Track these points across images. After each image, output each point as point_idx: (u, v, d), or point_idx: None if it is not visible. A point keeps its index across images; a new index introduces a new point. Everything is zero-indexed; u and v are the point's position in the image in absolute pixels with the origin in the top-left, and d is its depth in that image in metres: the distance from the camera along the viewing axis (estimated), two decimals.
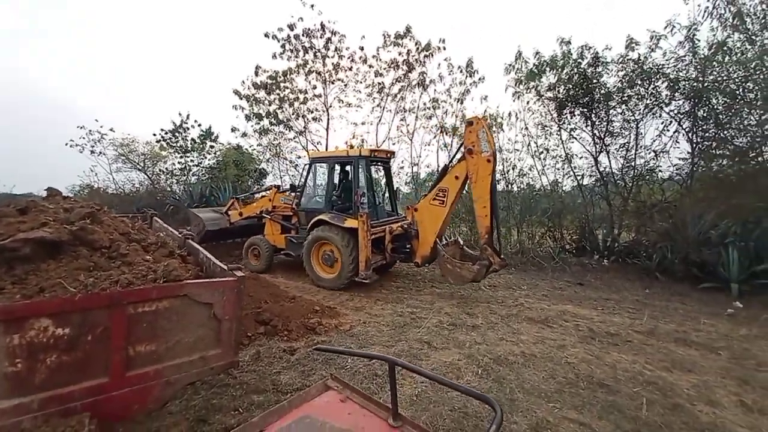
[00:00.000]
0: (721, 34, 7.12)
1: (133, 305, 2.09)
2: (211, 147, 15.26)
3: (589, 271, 7.58)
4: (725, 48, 7.05)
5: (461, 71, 10.70)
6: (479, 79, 10.56)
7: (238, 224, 8.35)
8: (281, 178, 14.02)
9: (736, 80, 7.08)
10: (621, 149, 8.59)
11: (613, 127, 8.53)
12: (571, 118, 8.93)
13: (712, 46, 7.18)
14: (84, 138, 14.03)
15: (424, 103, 11.39)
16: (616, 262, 7.85)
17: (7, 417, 1.74)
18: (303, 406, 1.35)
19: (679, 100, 7.72)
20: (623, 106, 8.24)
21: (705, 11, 7.06)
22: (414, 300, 5.79)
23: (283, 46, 11.41)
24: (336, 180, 7.13)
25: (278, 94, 12.10)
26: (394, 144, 12.02)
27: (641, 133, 8.32)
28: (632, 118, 8.28)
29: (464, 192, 6.53)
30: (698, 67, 7.35)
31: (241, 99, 12.43)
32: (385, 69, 11.43)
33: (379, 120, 12.10)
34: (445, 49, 10.78)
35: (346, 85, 12.00)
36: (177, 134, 14.79)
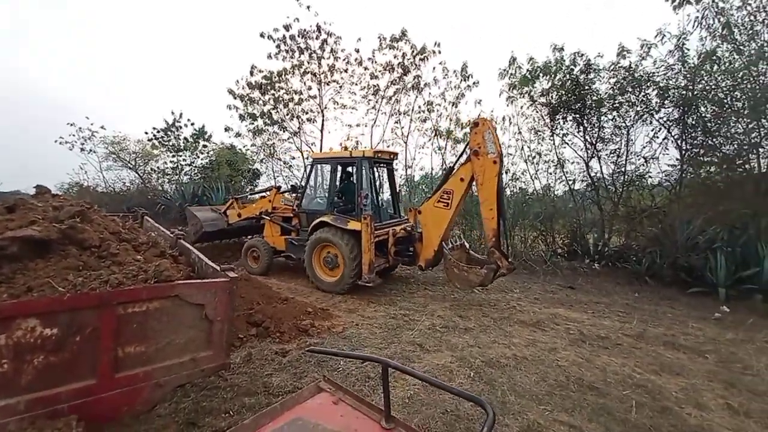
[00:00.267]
0: (709, 43, 7.28)
1: (123, 306, 2.07)
2: (204, 146, 15.15)
3: (580, 275, 7.66)
4: (714, 57, 7.20)
5: (456, 75, 10.78)
6: (474, 83, 10.65)
7: (236, 225, 8.25)
8: (275, 178, 13.98)
9: (724, 89, 7.24)
10: (612, 155, 8.72)
11: (604, 133, 8.66)
12: (564, 123, 9.05)
13: (701, 55, 7.34)
14: (74, 135, 13.85)
15: (419, 106, 11.46)
16: (607, 266, 7.94)
17: None
18: (295, 408, 1.34)
19: (668, 107, 7.86)
20: (614, 113, 8.38)
21: (694, 21, 7.21)
22: (407, 302, 5.79)
23: (278, 46, 11.39)
24: (338, 181, 6.99)
25: (273, 95, 12.06)
26: (388, 146, 12.05)
27: (632, 140, 8.46)
28: (623, 124, 8.42)
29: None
30: (687, 75, 7.50)
31: (235, 98, 12.38)
32: (380, 71, 11.47)
33: (374, 122, 12.14)
34: (440, 52, 10.86)
35: (341, 87, 12.01)
36: (169, 133, 14.66)
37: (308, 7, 10.87)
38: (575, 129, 8.95)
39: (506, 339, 4.44)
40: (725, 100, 7.24)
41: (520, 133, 9.63)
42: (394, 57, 11.10)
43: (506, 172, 9.70)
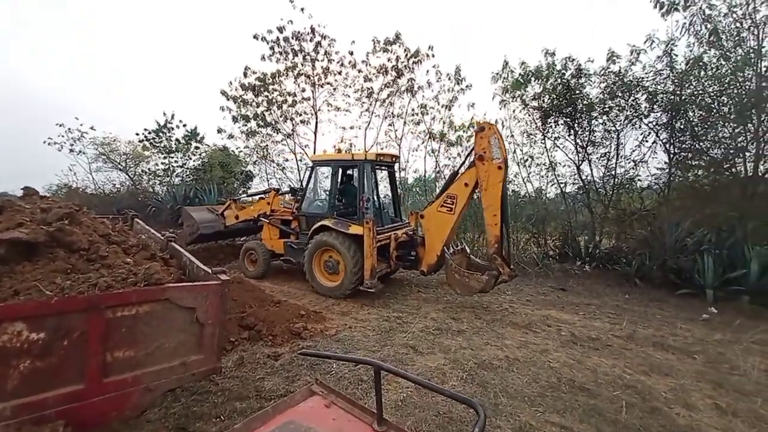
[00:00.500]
0: (697, 49, 7.43)
1: (112, 309, 2.04)
2: (197, 148, 15.03)
3: (571, 277, 7.73)
4: (701, 63, 7.35)
5: (449, 78, 10.84)
6: (467, 86, 10.71)
7: (233, 227, 8.16)
8: (268, 180, 13.89)
9: (712, 94, 7.39)
10: (602, 158, 8.84)
11: (594, 136, 8.78)
12: (555, 127, 9.15)
13: (689, 61, 7.49)
14: (63, 136, 13.66)
15: (413, 109, 11.48)
16: (598, 268, 8.03)
17: None
18: (287, 412, 1.34)
19: (657, 112, 8.00)
20: (604, 117, 8.50)
21: (682, 27, 7.35)
22: (400, 305, 5.79)
23: (272, 48, 11.35)
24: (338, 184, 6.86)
25: (266, 96, 12.01)
26: (382, 149, 12.06)
27: (621, 143, 8.59)
28: (613, 128, 8.54)
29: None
30: (676, 81, 7.65)
31: (228, 100, 12.29)
32: (374, 74, 11.49)
33: (368, 124, 12.14)
34: (433, 56, 10.91)
35: (335, 89, 12.00)
36: (161, 134, 14.52)
37: (302, 9, 10.89)
38: (566, 132, 9.06)
39: (499, 341, 4.47)
40: (712, 105, 7.39)
41: (512, 136, 9.72)
42: (388, 60, 11.14)
43: None
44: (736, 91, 7.16)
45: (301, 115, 12.28)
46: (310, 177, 6.92)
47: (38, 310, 1.82)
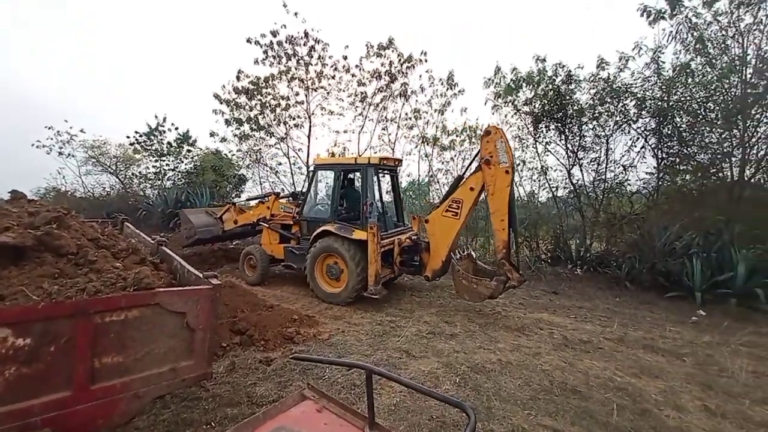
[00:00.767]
0: (684, 57, 7.59)
1: (101, 314, 2.01)
2: (189, 151, 14.93)
3: (563, 280, 7.80)
4: (688, 70, 7.51)
5: (442, 83, 10.93)
6: (459, 91, 10.80)
7: (231, 232, 8.07)
8: (261, 184, 13.84)
9: (698, 100, 7.54)
10: (592, 163, 8.96)
11: (585, 141, 8.89)
12: (547, 132, 9.26)
13: (676, 68, 7.65)
14: (52, 139, 13.49)
15: (406, 113, 11.54)
16: (589, 272, 8.11)
17: None
18: (278, 417, 1.33)
19: (645, 117, 8.14)
20: (594, 122, 8.62)
21: (669, 35, 7.51)
22: (393, 308, 5.78)
23: (265, 52, 11.35)
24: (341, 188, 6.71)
25: (260, 100, 12.00)
26: (376, 152, 12.09)
27: (611, 148, 8.71)
28: (603, 133, 8.67)
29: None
30: (663, 87, 7.79)
31: (221, 103, 12.24)
32: (367, 79, 11.54)
33: (361, 129, 12.17)
34: (426, 61, 10.99)
35: (328, 93, 12.03)
36: (152, 137, 14.40)
37: (296, 14, 10.93)
38: (557, 137, 9.17)
39: (491, 344, 4.48)
40: (699, 111, 7.54)
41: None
42: (382, 65, 11.20)
43: None
44: (722, 98, 7.33)
45: (294, 118, 12.28)
46: (311, 181, 6.79)
47: (25, 315, 1.79)
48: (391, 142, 11.83)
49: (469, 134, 10.49)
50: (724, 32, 7.17)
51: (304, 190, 7.22)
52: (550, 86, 8.74)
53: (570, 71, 8.55)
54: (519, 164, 9.85)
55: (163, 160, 14.63)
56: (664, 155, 8.20)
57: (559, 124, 8.88)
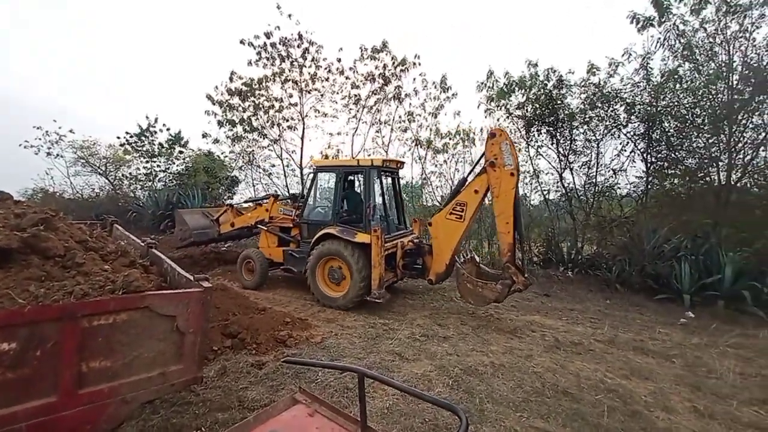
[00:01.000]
0: (672, 63, 7.76)
1: (88, 318, 1.97)
2: (180, 153, 14.78)
3: (555, 283, 7.86)
4: (676, 76, 7.67)
5: (435, 87, 10.99)
6: (452, 94, 10.87)
7: (227, 234, 7.95)
8: (254, 186, 13.75)
9: (686, 106, 7.71)
10: (583, 167, 9.09)
11: (576, 145, 9.02)
12: (538, 135, 9.37)
13: (665, 74, 7.81)
14: (40, 139, 13.27)
15: (400, 116, 11.58)
16: (580, 274, 8.19)
17: None
18: (269, 422, 1.32)
19: (635, 122, 8.29)
20: (585, 127, 8.76)
21: (657, 42, 7.66)
22: (386, 311, 5.77)
23: (259, 53, 11.31)
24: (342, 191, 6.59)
25: (253, 101, 11.94)
26: (369, 155, 12.10)
27: (601, 152, 8.86)
28: (593, 138, 8.81)
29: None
30: (652, 92, 7.95)
31: (214, 104, 12.17)
32: (361, 81, 11.56)
33: (355, 131, 12.17)
34: (420, 64, 11.05)
35: (322, 95, 12.02)
36: (143, 138, 14.24)
37: (290, 16, 10.91)
38: (549, 141, 9.28)
39: (484, 347, 4.49)
40: (687, 116, 7.70)
41: None
42: (375, 68, 11.23)
43: None
44: (709, 103, 7.49)
45: (288, 120, 12.24)
46: (312, 183, 6.65)
47: (10, 319, 1.75)
48: (385, 144, 11.86)
49: (462, 137, 10.55)
50: (711, 39, 7.34)
51: (305, 192, 7.12)
52: (542, 91, 8.85)
53: (561, 76, 8.67)
54: None
55: (154, 162, 14.46)
56: (653, 159, 8.35)
57: (551, 128, 8.98)
